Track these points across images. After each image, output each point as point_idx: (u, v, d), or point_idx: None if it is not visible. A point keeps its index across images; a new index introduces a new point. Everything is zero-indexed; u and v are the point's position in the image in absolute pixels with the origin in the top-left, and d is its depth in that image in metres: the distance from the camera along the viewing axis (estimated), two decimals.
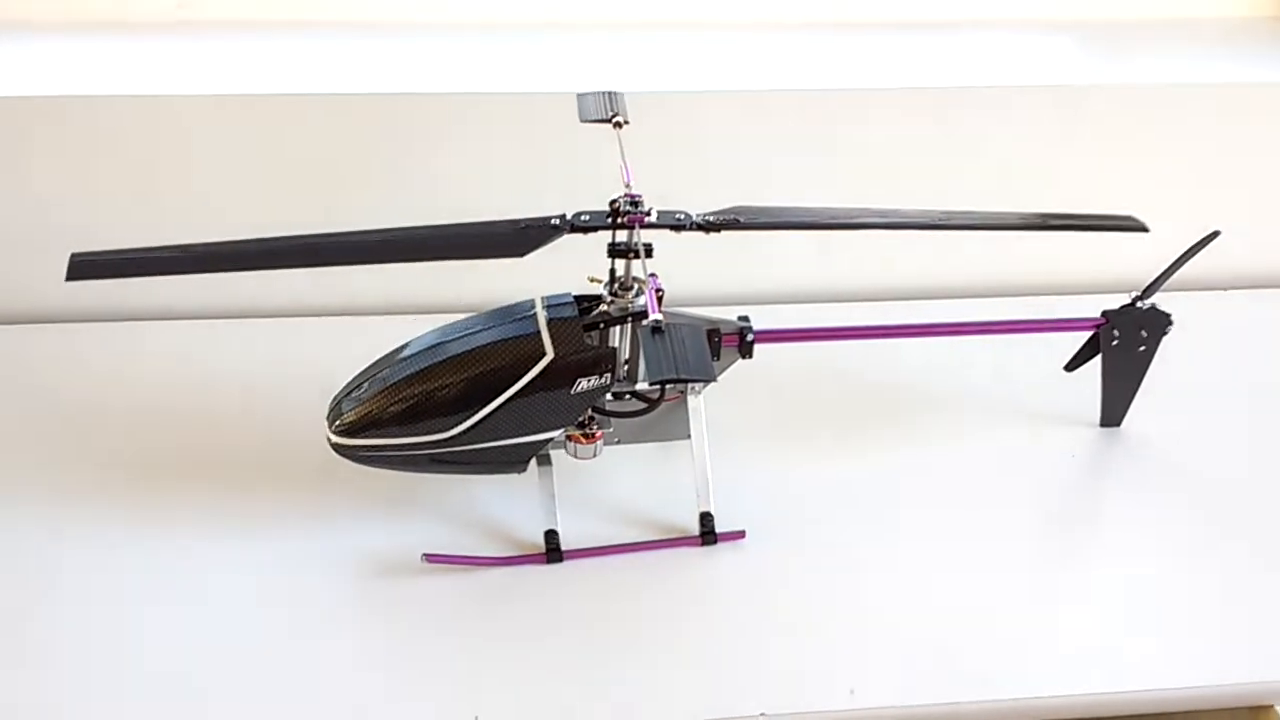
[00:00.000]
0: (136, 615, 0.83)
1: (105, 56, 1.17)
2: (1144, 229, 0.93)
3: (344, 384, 0.88)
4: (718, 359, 0.92)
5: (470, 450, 0.86)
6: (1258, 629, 0.85)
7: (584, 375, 0.84)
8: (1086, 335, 0.99)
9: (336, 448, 0.86)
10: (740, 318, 0.92)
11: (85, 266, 0.80)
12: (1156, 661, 0.82)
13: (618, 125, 0.88)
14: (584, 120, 0.90)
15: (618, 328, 0.86)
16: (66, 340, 1.12)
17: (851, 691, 0.79)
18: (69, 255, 0.80)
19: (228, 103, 1.10)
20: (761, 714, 0.77)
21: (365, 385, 0.86)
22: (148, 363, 1.09)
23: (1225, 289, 1.24)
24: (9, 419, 1.02)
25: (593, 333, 0.85)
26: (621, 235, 0.84)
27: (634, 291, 0.86)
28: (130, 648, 0.81)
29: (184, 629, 0.82)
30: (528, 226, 0.82)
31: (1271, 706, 0.81)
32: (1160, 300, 0.98)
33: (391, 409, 0.84)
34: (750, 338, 0.91)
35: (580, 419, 0.88)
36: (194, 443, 0.99)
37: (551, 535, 0.88)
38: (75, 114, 1.09)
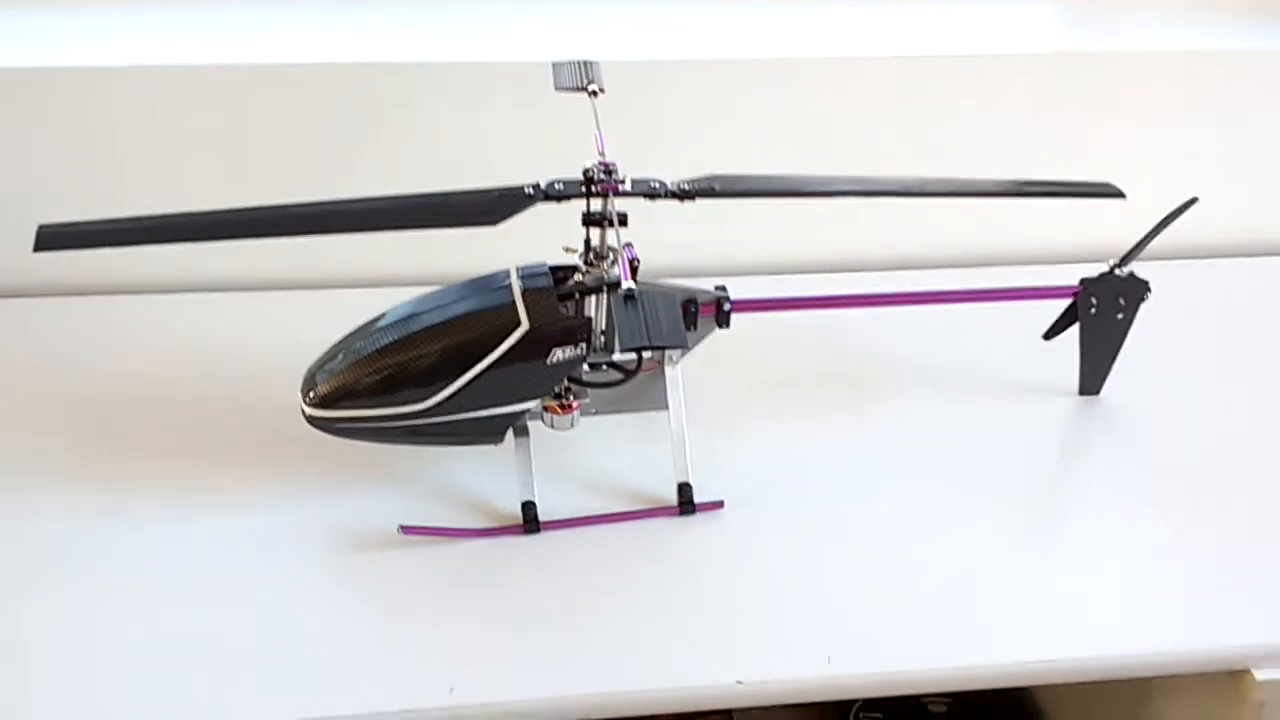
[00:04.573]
0: (104, 593, 0.82)
1: (70, 28, 1.15)
2: (1120, 195, 0.93)
3: (318, 356, 0.88)
4: (695, 329, 0.91)
5: (446, 421, 0.85)
6: (1234, 594, 0.85)
7: (560, 345, 0.84)
8: (1064, 303, 0.99)
9: (311, 420, 0.86)
10: (718, 287, 0.92)
11: (53, 237, 0.79)
12: (1134, 627, 0.82)
13: (593, 94, 0.87)
14: (559, 89, 0.89)
15: (593, 297, 0.85)
16: (31, 314, 1.11)
17: (829, 660, 0.79)
18: (36, 226, 0.79)
19: (197, 74, 1.09)
20: (738, 681, 0.77)
21: (339, 356, 0.85)
22: (115, 338, 1.08)
23: (1203, 257, 1.24)
24: None
25: (568, 303, 0.84)
26: (596, 204, 0.83)
27: (609, 261, 0.85)
28: (98, 627, 0.80)
29: (155, 606, 0.81)
30: (501, 195, 0.82)
31: (1249, 671, 0.81)
32: (1138, 268, 0.98)
33: (366, 380, 0.84)
34: (728, 307, 0.91)
35: (557, 389, 0.87)
36: (165, 417, 0.98)
37: (529, 506, 0.88)
38: (44, 86, 1.08)
